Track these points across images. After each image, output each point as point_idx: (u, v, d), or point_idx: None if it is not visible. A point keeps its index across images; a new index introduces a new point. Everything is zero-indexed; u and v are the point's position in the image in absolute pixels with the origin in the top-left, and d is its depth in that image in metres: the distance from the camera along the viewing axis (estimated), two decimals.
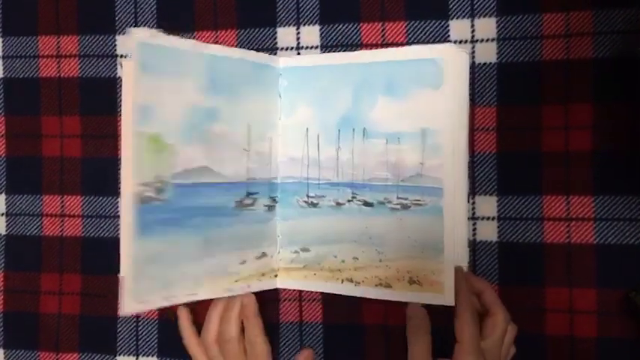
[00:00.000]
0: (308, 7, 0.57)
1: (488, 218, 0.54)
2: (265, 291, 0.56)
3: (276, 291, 0.57)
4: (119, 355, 0.60)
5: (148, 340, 0.60)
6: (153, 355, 0.60)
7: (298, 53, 0.57)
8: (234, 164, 0.53)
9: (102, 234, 0.60)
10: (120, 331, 0.60)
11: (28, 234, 0.62)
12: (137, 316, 0.60)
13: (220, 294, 0.52)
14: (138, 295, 0.48)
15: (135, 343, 0.60)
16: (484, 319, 0.49)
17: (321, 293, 0.56)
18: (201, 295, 0.51)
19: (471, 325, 0.47)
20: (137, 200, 0.47)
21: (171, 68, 0.49)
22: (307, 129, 0.56)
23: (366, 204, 0.54)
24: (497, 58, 0.53)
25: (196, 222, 0.51)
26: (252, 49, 0.57)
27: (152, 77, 0.48)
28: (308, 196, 0.56)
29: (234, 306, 0.53)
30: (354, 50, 0.56)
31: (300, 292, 0.57)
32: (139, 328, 0.60)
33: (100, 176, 0.60)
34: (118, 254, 0.57)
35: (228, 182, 0.53)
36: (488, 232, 0.54)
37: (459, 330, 0.47)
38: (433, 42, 0.54)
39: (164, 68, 0.49)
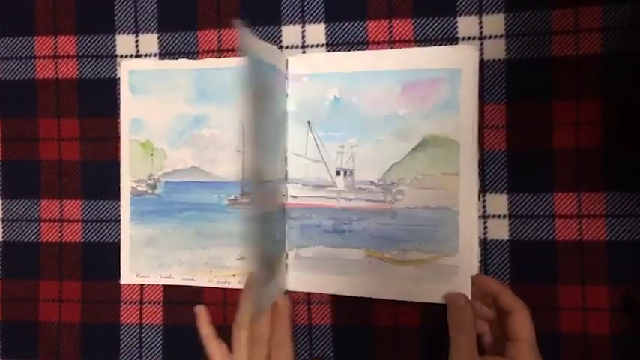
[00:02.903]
0: (313, 4, 0.56)
1: (499, 216, 0.53)
2: None
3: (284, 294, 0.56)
4: None
5: (151, 346, 0.58)
6: None
7: (304, 52, 0.56)
8: (227, 165, 0.57)
9: (102, 239, 0.59)
10: (123, 339, 0.59)
11: (25, 240, 0.60)
12: (140, 323, 0.58)
13: (216, 284, 0.57)
14: (135, 268, 0.58)
15: (138, 350, 0.58)
16: (507, 319, 0.48)
17: (330, 295, 0.55)
18: (198, 282, 0.58)
19: (530, 322, 0.46)
20: (132, 193, 0.58)
21: (158, 87, 0.58)
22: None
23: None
24: (506, 55, 0.53)
25: (187, 215, 0.58)
26: None
27: (140, 97, 0.58)
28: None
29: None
30: (361, 48, 0.55)
31: (309, 294, 0.56)
32: (143, 335, 0.58)
33: (100, 180, 0.59)
34: (119, 259, 0.57)
35: (219, 182, 0.57)
36: (500, 230, 0.53)
37: (517, 327, 0.46)
38: (441, 39, 0.54)
39: (151, 88, 0.58)
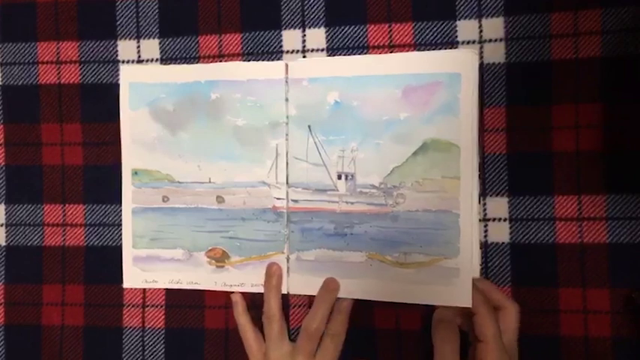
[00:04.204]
0: (313, 9, 0.56)
1: (499, 219, 0.53)
2: None
3: (286, 297, 0.56)
4: None
5: (154, 350, 0.58)
6: None
7: (304, 56, 0.56)
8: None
9: (105, 243, 0.59)
10: (125, 342, 0.59)
11: (28, 245, 0.60)
12: (143, 327, 0.58)
13: (221, 287, 0.57)
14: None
15: (141, 354, 0.59)
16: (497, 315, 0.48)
17: None
18: (203, 286, 0.58)
19: (493, 322, 0.46)
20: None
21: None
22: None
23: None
24: (506, 58, 0.53)
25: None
26: (256, 52, 0.57)
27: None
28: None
29: (331, 299, 0.54)
30: (362, 52, 0.55)
31: (310, 297, 0.56)
32: (145, 339, 0.59)
33: (102, 184, 0.59)
34: (122, 263, 0.58)
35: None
36: (500, 233, 0.53)
37: (482, 328, 0.46)
38: (441, 43, 0.54)
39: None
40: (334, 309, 0.54)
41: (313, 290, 0.55)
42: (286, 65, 0.55)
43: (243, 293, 0.56)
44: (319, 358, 0.53)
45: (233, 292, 0.57)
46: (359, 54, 0.55)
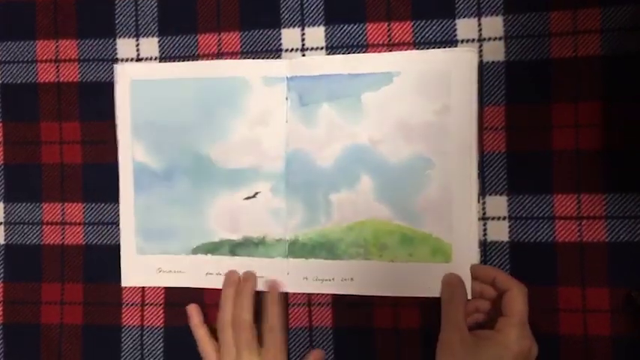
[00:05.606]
0: (313, 7, 0.56)
1: (498, 218, 0.53)
2: None
3: (284, 296, 0.56)
4: None
5: (152, 349, 0.58)
6: None
7: (303, 55, 0.56)
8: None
9: (104, 241, 0.59)
10: (124, 341, 0.59)
11: (27, 243, 0.60)
12: (142, 326, 0.58)
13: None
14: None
15: (140, 352, 0.59)
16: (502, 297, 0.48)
17: (332, 297, 0.56)
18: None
19: (522, 301, 0.47)
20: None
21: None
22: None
23: None
24: (505, 57, 0.53)
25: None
26: (256, 51, 0.57)
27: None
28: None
29: (247, 290, 0.53)
30: (361, 51, 0.55)
31: (310, 296, 0.56)
32: (144, 338, 0.58)
33: (102, 182, 0.59)
34: (120, 261, 0.57)
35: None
36: (499, 232, 0.53)
37: (509, 304, 0.47)
38: (440, 41, 0.54)
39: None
40: (267, 301, 0.53)
41: (313, 289, 0.55)
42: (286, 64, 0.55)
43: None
44: (264, 355, 0.52)
45: (190, 305, 0.57)
46: (358, 52, 0.55)
